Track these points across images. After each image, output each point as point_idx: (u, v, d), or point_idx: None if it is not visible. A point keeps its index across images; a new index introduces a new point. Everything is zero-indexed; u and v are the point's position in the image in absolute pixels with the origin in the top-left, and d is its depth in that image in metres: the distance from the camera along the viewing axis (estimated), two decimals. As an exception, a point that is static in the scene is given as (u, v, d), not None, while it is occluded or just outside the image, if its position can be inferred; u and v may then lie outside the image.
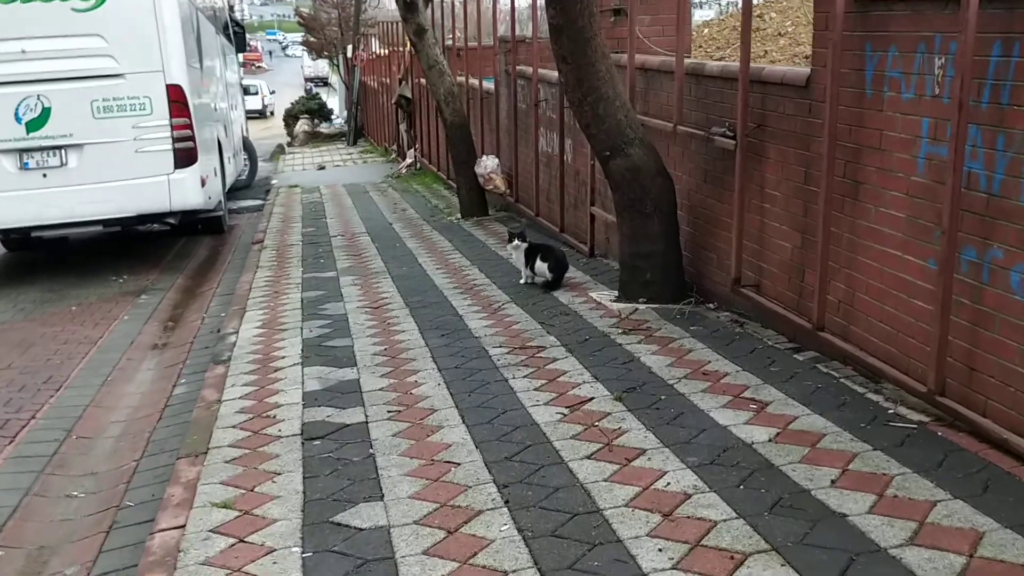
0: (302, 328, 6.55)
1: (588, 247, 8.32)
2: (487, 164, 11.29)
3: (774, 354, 5.23)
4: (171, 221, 10.25)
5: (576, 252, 8.43)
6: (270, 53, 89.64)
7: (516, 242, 7.32)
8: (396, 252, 9.38)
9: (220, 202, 12.19)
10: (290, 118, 31.04)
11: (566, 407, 4.61)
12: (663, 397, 4.67)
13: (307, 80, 62.74)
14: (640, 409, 4.52)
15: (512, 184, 11.20)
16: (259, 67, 67.73)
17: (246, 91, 29.00)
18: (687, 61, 6.50)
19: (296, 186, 16.74)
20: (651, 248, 6.32)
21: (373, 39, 26.60)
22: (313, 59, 47.51)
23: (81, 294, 9.28)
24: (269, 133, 33.15)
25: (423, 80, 16.84)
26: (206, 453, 4.40)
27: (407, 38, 12.54)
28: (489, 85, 12.15)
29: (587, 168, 8.32)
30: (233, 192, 15.65)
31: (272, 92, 45.80)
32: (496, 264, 8.37)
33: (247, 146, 17.72)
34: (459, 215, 11.56)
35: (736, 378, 4.87)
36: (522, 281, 7.44)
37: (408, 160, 18.45)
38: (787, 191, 5.36)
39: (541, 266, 7.19)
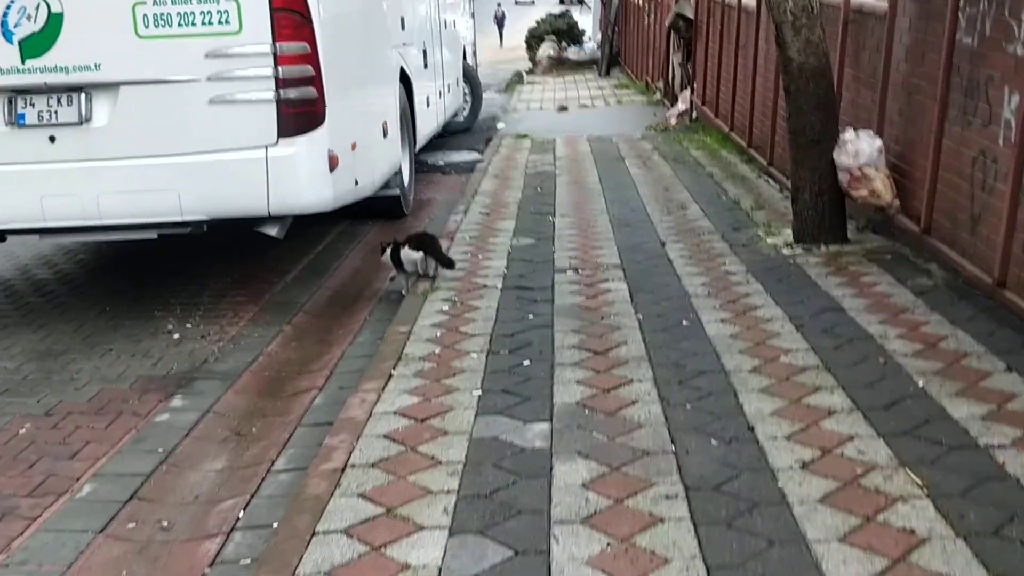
0: None
1: None
2: (859, 148, 5.94)
3: None
4: (270, 232, 5.58)
5: None
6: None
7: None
8: (690, 360, 4.28)
9: (398, 176, 7.60)
10: (533, 39, 26.04)
11: None
12: None
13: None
14: None
15: (905, 189, 5.86)
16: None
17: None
18: None
19: (525, 136, 12.18)
20: None
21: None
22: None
23: (84, 369, 4.89)
24: (509, 55, 28.53)
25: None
26: None
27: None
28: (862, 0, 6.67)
29: None
30: (446, 137, 11.80)
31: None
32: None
33: (469, 76, 13.21)
34: (790, 237, 6.32)
35: None
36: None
37: (681, 106, 13.18)
38: None
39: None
